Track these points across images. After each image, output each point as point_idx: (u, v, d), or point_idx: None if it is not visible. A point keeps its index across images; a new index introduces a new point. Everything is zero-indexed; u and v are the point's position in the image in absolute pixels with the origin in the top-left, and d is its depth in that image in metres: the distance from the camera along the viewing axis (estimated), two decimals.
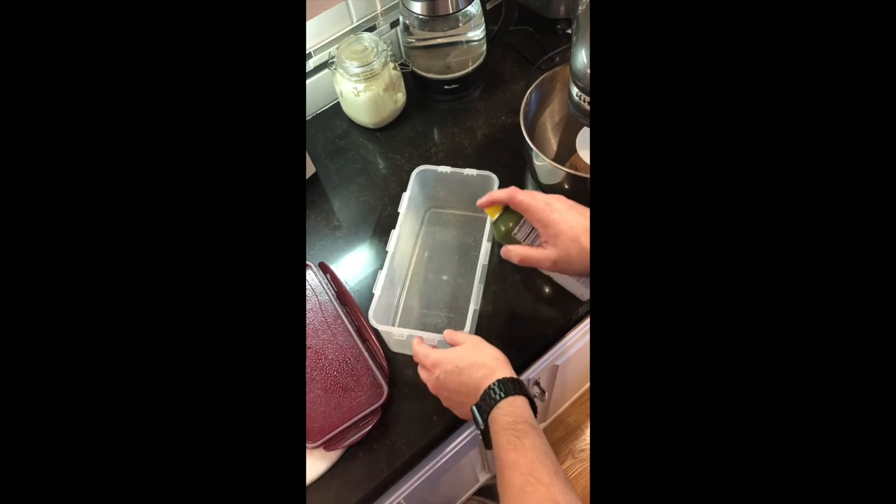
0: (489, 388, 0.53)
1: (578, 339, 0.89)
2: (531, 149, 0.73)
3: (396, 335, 0.65)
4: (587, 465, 1.45)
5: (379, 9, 0.92)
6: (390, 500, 0.77)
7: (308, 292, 0.74)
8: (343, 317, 0.71)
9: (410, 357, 0.69)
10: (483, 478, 1.16)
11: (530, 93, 0.78)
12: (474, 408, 0.54)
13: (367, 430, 0.64)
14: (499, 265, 0.76)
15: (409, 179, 0.76)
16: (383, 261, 0.69)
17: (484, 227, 0.74)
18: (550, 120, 0.85)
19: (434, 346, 0.61)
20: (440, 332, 0.62)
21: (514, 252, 0.60)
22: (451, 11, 0.84)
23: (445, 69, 0.92)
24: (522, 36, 1.01)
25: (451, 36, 0.88)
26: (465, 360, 0.56)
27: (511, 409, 0.51)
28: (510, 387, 0.53)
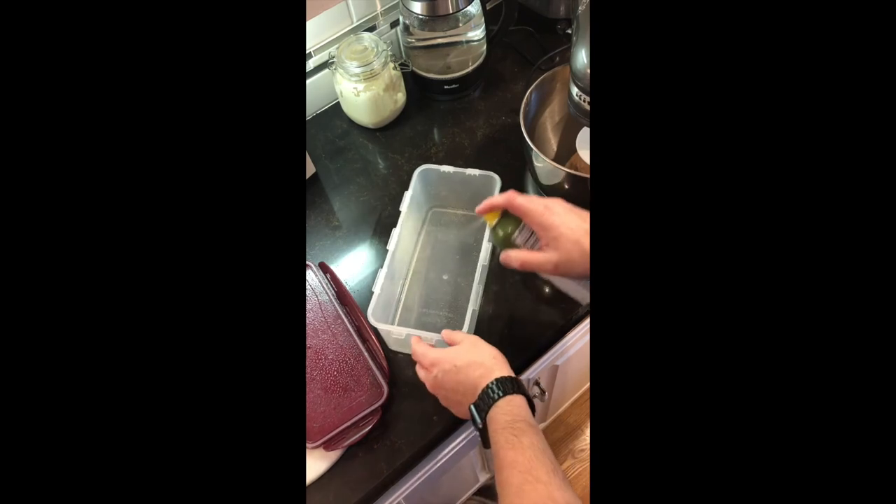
0: (487, 387, 0.53)
1: (578, 340, 0.89)
2: (531, 149, 0.73)
3: (395, 334, 0.65)
4: (587, 465, 1.45)
5: (379, 9, 0.92)
6: (390, 500, 0.77)
7: (308, 292, 0.74)
8: (343, 317, 0.71)
9: (410, 357, 0.69)
10: (483, 478, 1.16)
11: (530, 93, 0.78)
12: (472, 407, 0.54)
13: (367, 430, 0.64)
14: (499, 265, 0.76)
15: (408, 179, 0.76)
16: (383, 260, 0.69)
17: (485, 227, 0.74)
18: (550, 120, 0.85)
19: (432, 346, 0.61)
20: (440, 331, 0.62)
21: (515, 257, 0.59)
22: (451, 11, 0.84)
23: (445, 69, 0.92)
24: (522, 36, 1.01)
25: (451, 36, 0.88)
26: (463, 359, 0.56)
27: (509, 408, 0.51)
28: (508, 386, 0.53)
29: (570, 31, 0.78)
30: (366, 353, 0.69)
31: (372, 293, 0.66)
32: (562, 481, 0.45)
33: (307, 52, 0.89)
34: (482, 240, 0.73)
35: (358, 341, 0.69)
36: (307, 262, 0.76)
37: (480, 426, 0.53)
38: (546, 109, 0.84)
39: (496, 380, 0.53)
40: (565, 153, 0.85)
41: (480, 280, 0.67)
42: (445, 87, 0.94)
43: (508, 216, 0.62)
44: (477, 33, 0.90)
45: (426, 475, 0.78)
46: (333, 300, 0.73)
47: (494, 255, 0.73)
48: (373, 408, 0.65)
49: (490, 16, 0.92)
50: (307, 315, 0.72)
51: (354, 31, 0.92)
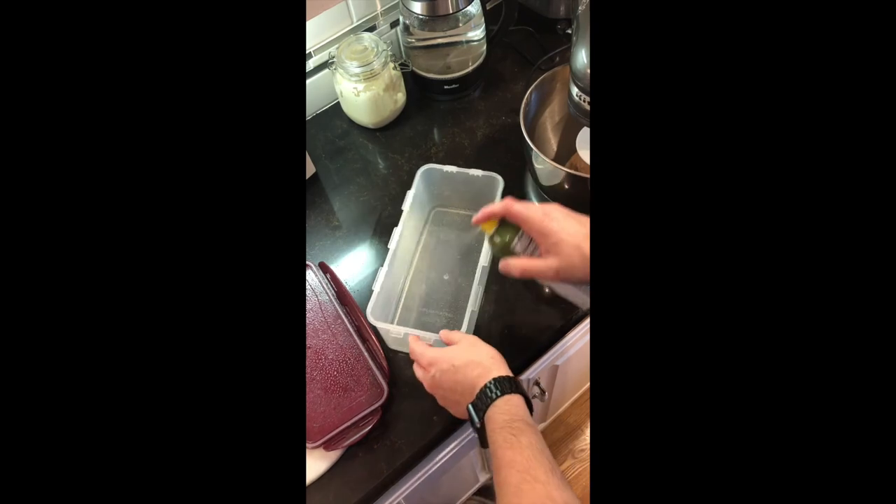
0: (485, 386, 0.53)
1: (578, 339, 0.89)
2: (531, 149, 0.73)
3: (393, 333, 0.65)
4: (587, 465, 1.45)
5: (379, 9, 0.92)
6: (390, 500, 0.77)
7: (308, 292, 0.74)
8: (343, 317, 0.71)
9: (409, 356, 0.69)
10: (483, 478, 1.16)
11: (530, 93, 0.78)
12: (470, 406, 0.54)
13: (367, 430, 0.64)
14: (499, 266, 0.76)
15: (408, 179, 0.76)
16: (384, 259, 0.69)
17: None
18: (550, 120, 0.85)
19: (430, 346, 0.61)
20: (439, 331, 0.62)
21: (515, 265, 0.58)
22: (451, 11, 0.84)
23: (445, 69, 0.92)
24: (522, 36, 1.01)
25: (451, 36, 0.88)
26: (460, 359, 0.56)
27: (507, 408, 0.51)
28: (506, 385, 0.53)
29: (570, 31, 0.78)
30: (366, 353, 0.69)
31: (371, 292, 0.66)
32: (560, 481, 0.45)
33: (307, 52, 0.89)
34: (483, 240, 0.73)
35: (358, 341, 0.69)
36: (307, 262, 0.76)
37: (478, 426, 0.53)
38: (546, 109, 0.84)
39: (494, 379, 0.53)
40: (565, 153, 0.85)
41: (480, 281, 0.67)
42: (445, 87, 0.94)
43: (506, 224, 0.61)
44: (477, 33, 0.90)
45: (426, 475, 0.78)
46: (333, 300, 0.73)
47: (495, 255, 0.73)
48: (373, 408, 0.65)
49: (490, 16, 0.92)
50: (307, 315, 0.72)
51: (354, 31, 0.92)
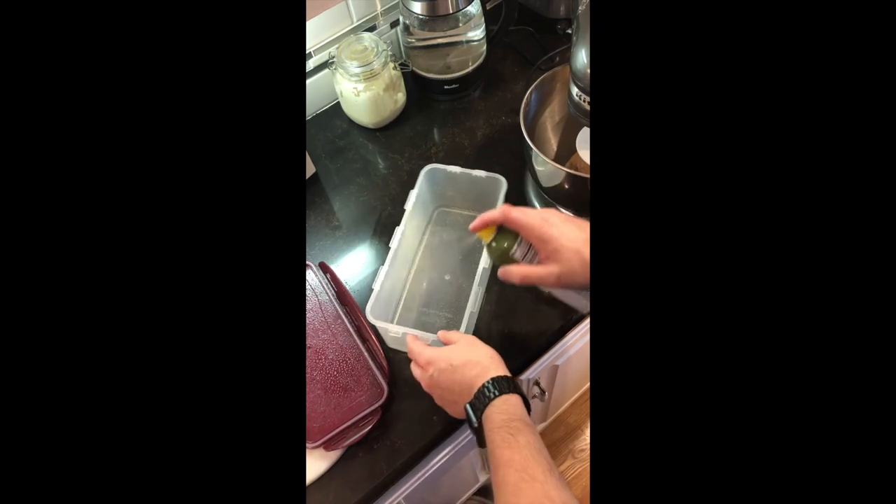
0: (483, 386, 0.53)
1: (578, 339, 0.89)
2: (531, 149, 0.73)
3: (392, 332, 0.65)
4: (587, 465, 1.45)
5: (379, 9, 0.92)
6: (390, 500, 0.77)
7: (308, 292, 0.74)
8: (343, 317, 0.71)
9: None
10: (483, 478, 1.16)
11: (530, 93, 0.78)
12: (468, 406, 0.54)
13: (367, 430, 0.64)
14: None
15: (409, 179, 0.76)
16: (384, 259, 0.69)
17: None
18: (550, 120, 0.85)
19: (428, 345, 0.61)
20: (438, 331, 0.62)
21: (515, 272, 0.58)
22: (451, 11, 0.84)
23: (445, 69, 0.92)
24: (522, 36, 1.01)
25: (451, 36, 0.88)
26: (458, 359, 0.56)
27: (505, 407, 0.51)
28: (504, 385, 0.53)
29: (570, 31, 0.78)
30: (366, 353, 0.69)
31: (371, 290, 0.66)
32: (558, 480, 0.45)
33: (307, 52, 0.89)
34: None
35: (358, 341, 0.69)
36: (307, 262, 0.76)
37: (476, 425, 0.53)
38: (546, 109, 0.84)
39: (492, 379, 0.53)
40: (565, 153, 0.85)
41: (480, 282, 0.67)
42: (445, 87, 0.94)
43: (504, 231, 0.60)
44: (477, 33, 0.90)
45: (426, 475, 0.78)
46: (333, 300, 0.73)
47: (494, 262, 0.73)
48: (373, 408, 0.65)
49: (490, 16, 0.92)
50: (307, 315, 0.72)
51: (354, 31, 0.92)
